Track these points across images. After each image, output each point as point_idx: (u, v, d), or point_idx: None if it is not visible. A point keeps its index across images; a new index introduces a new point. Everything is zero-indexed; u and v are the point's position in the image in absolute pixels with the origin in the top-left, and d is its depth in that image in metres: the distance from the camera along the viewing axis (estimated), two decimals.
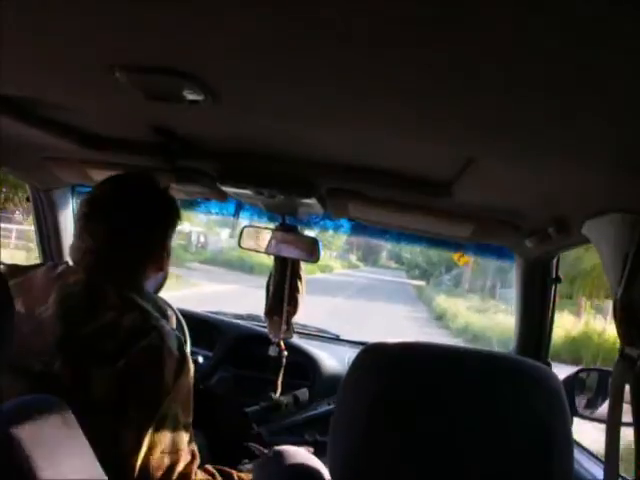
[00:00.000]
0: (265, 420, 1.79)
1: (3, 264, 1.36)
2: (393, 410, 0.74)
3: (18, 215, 14.63)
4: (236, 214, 2.10)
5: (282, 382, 2.01)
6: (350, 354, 2.30)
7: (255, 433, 1.72)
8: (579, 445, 1.73)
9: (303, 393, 1.94)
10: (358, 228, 2.04)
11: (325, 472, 0.89)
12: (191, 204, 2.08)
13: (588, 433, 2.24)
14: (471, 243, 1.89)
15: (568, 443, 0.76)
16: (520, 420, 0.73)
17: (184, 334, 1.86)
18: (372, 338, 1.04)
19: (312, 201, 1.64)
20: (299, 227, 2.01)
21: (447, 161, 1.18)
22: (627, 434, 0.93)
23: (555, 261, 1.74)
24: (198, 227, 28.14)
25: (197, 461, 1.23)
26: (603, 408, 1.54)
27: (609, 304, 1.00)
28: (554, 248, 1.56)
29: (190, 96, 0.92)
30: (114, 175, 1.33)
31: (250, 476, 1.40)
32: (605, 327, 11.90)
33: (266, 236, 1.98)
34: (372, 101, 0.84)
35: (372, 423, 0.74)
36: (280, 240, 1.96)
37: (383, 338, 0.82)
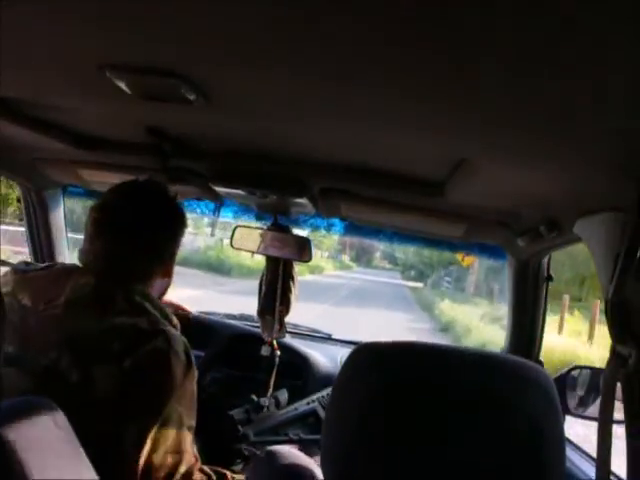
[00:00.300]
0: (249, 421, 1.80)
1: (6, 262, 1.36)
2: (385, 409, 0.74)
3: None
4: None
5: (275, 382, 2.00)
6: (342, 353, 2.30)
7: (241, 434, 1.73)
8: (571, 443, 1.73)
9: (282, 393, 1.95)
10: (351, 228, 2.04)
11: (317, 471, 0.89)
12: None
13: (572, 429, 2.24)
14: (463, 242, 1.89)
15: (560, 441, 0.76)
16: (512, 418, 0.73)
17: None
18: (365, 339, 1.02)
19: (304, 201, 1.64)
20: (291, 227, 2.01)
21: (440, 161, 1.18)
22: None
23: (547, 260, 1.74)
24: None
25: (199, 463, 1.24)
26: (595, 406, 1.55)
27: None
28: (546, 247, 1.57)
29: (182, 96, 0.92)
30: (125, 182, 1.35)
31: (243, 477, 1.40)
32: None
33: (258, 236, 1.98)
34: (365, 101, 0.84)
35: (364, 422, 0.74)
36: (272, 240, 1.95)
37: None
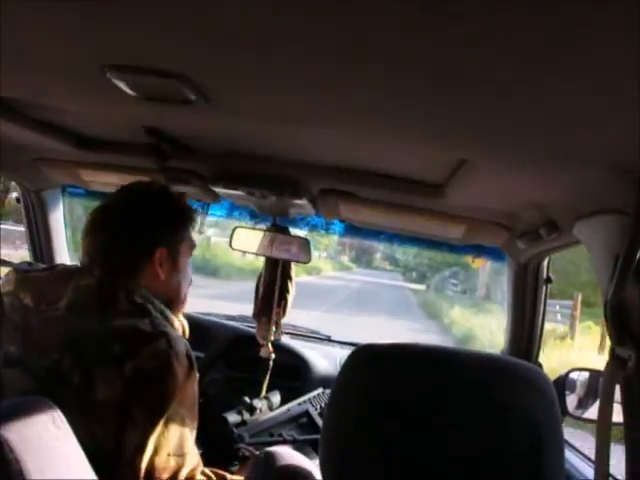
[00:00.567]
0: (244, 422, 1.80)
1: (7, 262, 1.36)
2: (384, 410, 0.74)
3: None
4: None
5: (273, 383, 2.01)
6: (341, 355, 2.30)
7: (236, 436, 1.73)
8: (570, 445, 1.73)
9: (274, 395, 1.95)
10: (350, 228, 2.04)
11: (316, 472, 0.89)
12: None
13: None
14: (463, 244, 1.89)
15: (559, 443, 0.76)
16: (511, 420, 0.73)
17: None
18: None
19: (303, 202, 1.64)
20: (289, 227, 2.01)
21: (440, 162, 1.18)
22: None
23: (546, 262, 1.74)
24: None
25: (201, 465, 1.25)
26: (594, 408, 1.55)
27: None
28: (545, 249, 1.57)
29: (182, 97, 0.92)
30: (127, 184, 1.35)
31: (242, 478, 1.40)
32: None
33: (257, 237, 1.98)
34: (365, 103, 0.84)
35: (363, 423, 0.74)
36: (271, 241, 1.96)
37: None
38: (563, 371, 1.67)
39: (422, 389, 0.74)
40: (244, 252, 2.09)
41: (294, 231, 2.02)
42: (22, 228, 2.32)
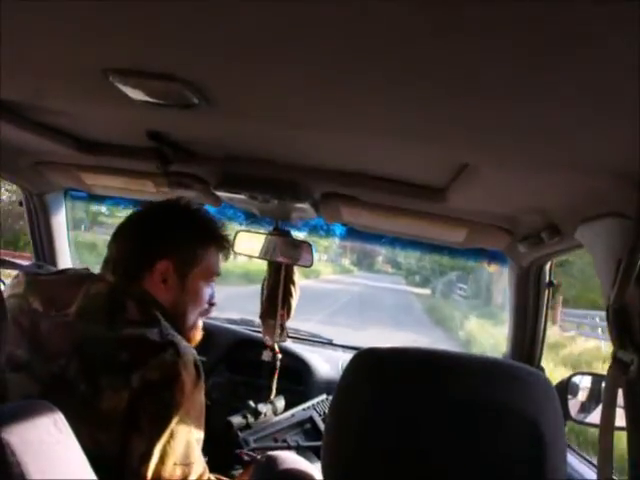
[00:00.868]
0: (248, 426, 1.80)
1: (11, 262, 1.37)
2: (387, 414, 0.74)
3: None
4: None
5: (276, 387, 2.00)
6: (344, 359, 2.30)
7: (240, 440, 1.73)
8: (572, 449, 1.73)
9: (279, 400, 1.95)
10: (352, 232, 2.04)
11: (318, 476, 0.88)
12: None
13: None
14: (465, 247, 1.89)
15: (561, 447, 0.76)
16: (513, 424, 0.73)
17: None
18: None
19: (305, 206, 1.64)
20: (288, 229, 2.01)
21: (441, 166, 1.18)
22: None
23: (549, 266, 1.74)
24: None
25: (207, 474, 1.24)
26: (596, 413, 1.54)
27: None
28: (547, 253, 1.56)
29: (184, 101, 0.92)
30: (164, 200, 1.39)
31: None
32: None
33: (260, 241, 1.98)
34: (367, 106, 0.84)
35: (366, 427, 0.74)
36: (274, 245, 1.96)
37: None
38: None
39: (424, 393, 0.74)
40: (247, 256, 2.08)
41: (294, 233, 2.02)
42: None
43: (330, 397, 2.04)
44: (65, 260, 2.28)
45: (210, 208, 2.07)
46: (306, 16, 0.57)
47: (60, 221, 2.23)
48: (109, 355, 1.12)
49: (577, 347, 11.01)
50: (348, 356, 0.89)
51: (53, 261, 2.23)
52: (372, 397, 0.75)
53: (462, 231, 1.64)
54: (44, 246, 2.22)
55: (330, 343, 2.60)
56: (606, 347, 9.86)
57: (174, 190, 1.69)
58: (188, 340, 1.29)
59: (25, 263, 2.25)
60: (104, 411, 1.08)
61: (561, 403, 0.79)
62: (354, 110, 0.87)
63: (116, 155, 1.56)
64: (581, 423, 1.61)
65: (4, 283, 2.02)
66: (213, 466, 1.34)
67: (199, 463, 1.19)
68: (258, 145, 1.34)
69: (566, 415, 1.55)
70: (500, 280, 15.94)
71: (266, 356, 2.05)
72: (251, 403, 1.84)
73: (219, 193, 1.65)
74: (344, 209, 1.66)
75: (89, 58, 0.82)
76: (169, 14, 0.62)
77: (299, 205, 1.65)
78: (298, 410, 1.94)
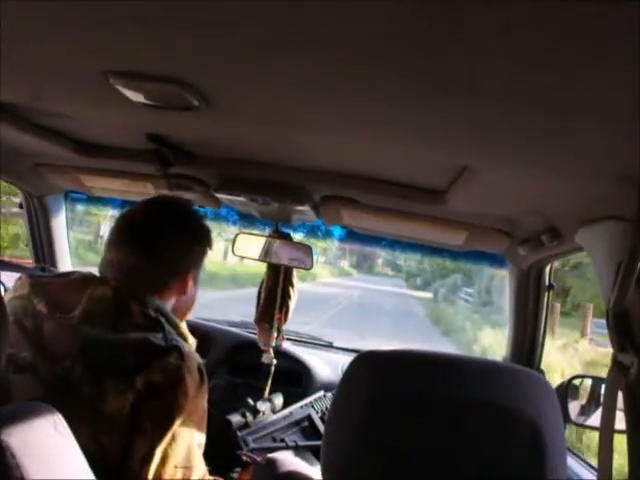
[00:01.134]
0: (247, 425, 1.79)
1: (14, 264, 1.36)
2: (386, 417, 0.74)
3: None
4: None
5: (275, 389, 2.00)
6: (343, 361, 2.30)
7: (240, 439, 1.72)
8: (572, 452, 1.73)
9: (277, 397, 1.95)
10: (351, 234, 2.04)
11: (317, 478, 0.88)
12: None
13: None
14: (464, 250, 1.89)
15: (561, 450, 0.76)
16: (513, 426, 0.73)
17: None
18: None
19: (306, 208, 1.64)
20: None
21: (442, 169, 1.18)
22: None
23: (549, 269, 1.74)
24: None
25: (207, 477, 1.24)
26: (596, 415, 1.54)
27: None
28: (547, 256, 1.57)
29: (184, 103, 0.92)
30: (157, 196, 1.38)
31: None
32: None
33: (259, 243, 1.98)
34: (367, 109, 0.84)
35: (365, 430, 0.74)
36: (273, 247, 1.96)
37: None
38: None
39: (424, 395, 0.74)
40: (247, 258, 2.09)
41: (292, 235, 2.02)
42: None
43: (328, 394, 2.05)
44: (65, 262, 2.28)
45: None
46: (306, 18, 0.57)
47: (60, 223, 2.23)
48: (113, 358, 1.12)
49: None
50: (348, 359, 0.89)
51: (53, 263, 2.23)
52: (372, 399, 0.75)
53: (462, 234, 1.64)
54: (44, 248, 2.22)
55: (330, 346, 2.60)
56: None
57: (174, 192, 1.69)
58: (183, 320, 1.33)
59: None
60: (107, 413, 1.08)
61: (561, 406, 0.80)
62: (354, 113, 0.87)
63: (116, 157, 1.56)
64: (581, 426, 1.62)
65: (4, 285, 2.02)
66: (213, 467, 1.34)
67: (200, 466, 1.19)
68: (258, 147, 1.34)
69: (566, 418, 1.55)
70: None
71: (266, 359, 2.05)
72: (250, 401, 1.84)
73: (219, 195, 1.66)
74: (344, 212, 1.66)
75: (89, 60, 0.82)
76: (169, 17, 0.62)
77: (299, 208, 1.65)
78: (296, 408, 1.94)
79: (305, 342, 2.58)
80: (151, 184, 1.73)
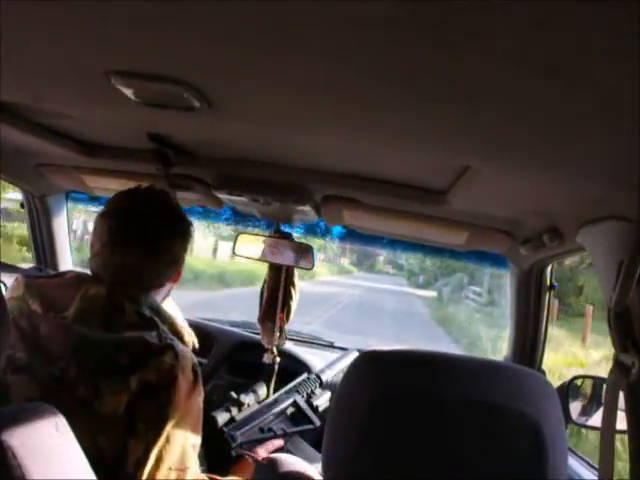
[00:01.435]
0: (232, 420, 1.79)
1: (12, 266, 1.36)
2: (388, 416, 0.74)
3: None
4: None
5: (276, 389, 2.00)
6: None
7: (227, 436, 1.71)
8: (573, 452, 1.73)
9: (260, 387, 1.94)
10: (351, 233, 2.04)
11: (318, 478, 0.89)
12: None
13: None
14: (466, 250, 1.89)
15: (562, 450, 0.76)
16: (514, 426, 0.73)
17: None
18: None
19: (307, 208, 1.64)
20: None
21: (443, 169, 1.18)
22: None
23: (550, 269, 1.74)
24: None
25: (202, 477, 1.23)
26: (598, 415, 1.54)
27: None
28: (549, 256, 1.57)
29: (186, 103, 0.92)
30: (132, 188, 1.32)
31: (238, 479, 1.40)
32: None
33: (261, 243, 1.98)
34: (368, 109, 0.84)
35: (367, 430, 0.74)
36: (275, 247, 1.96)
37: None
38: None
39: (426, 394, 0.74)
40: (248, 258, 2.08)
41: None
42: None
43: (312, 376, 2.06)
44: (66, 262, 2.28)
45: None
46: (307, 21, 0.57)
47: (61, 223, 2.23)
48: (107, 358, 1.11)
49: None
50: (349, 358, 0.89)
51: (54, 263, 2.23)
52: (374, 398, 0.75)
53: (463, 234, 1.64)
54: (45, 248, 2.22)
55: (331, 345, 2.60)
56: None
57: (175, 192, 1.69)
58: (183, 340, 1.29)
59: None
60: (104, 415, 1.08)
61: (562, 406, 0.79)
62: (356, 114, 0.88)
63: (117, 157, 1.56)
64: (582, 426, 1.62)
65: (5, 285, 2.02)
66: (208, 467, 1.34)
67: (194, 467, 1.19)
68: (259, 147, 1.34)
69: (567, 418, 1.55)
70: None
71: (267, 358, 2.05)
72: (233, 394, 1.82)
73: (220, 195, 1.66)
74: (346, 212, 1.66)
75: (92, 61, 0.82)
76: (171, 17, 0.62)
77: (300, 207, 1.65)
78: (280, 395, 1.94)
79: (306, 342, 2.58)
80: (153, 184, 1.73)
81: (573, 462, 1.66)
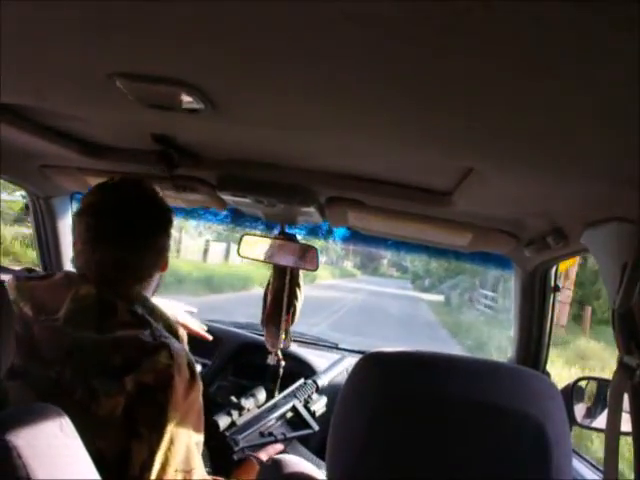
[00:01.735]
0: (233, 424, 1.79)
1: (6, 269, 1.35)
2: (392, 418, 0.74)
3: None
4: None
5: (280, 391, 2.00)
6: (349, 362, 2.30)
7: (229, 441, 1.72)
8: (577, 454, 1.72)
9: (260, 391, 1.94)
10: (355, 235, 2.04)
11: (322, 478, 0.89)
12: None
13: None
14: (470, 252, 1.89)
15: (566, 452, 0.76)
16: (518, 428, 0.73)
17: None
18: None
19: (311, 210, 1.64)
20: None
21: (447, 170, 1.18)
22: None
23: (554, 270, 1.74)
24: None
25: (207, 477, 1.23)
26: (602, 417, 1.54)
27: None
28: (553, 257, 1.56)
29: (190, 105, 0.92)
30: (105, 182, 1.28)
31: None
32: None
33: (265, 244, 1.98)
34: (372, 111, 0.84)
35: (371, 431, 0.74)
36: (279, 248, 1.96)
37: None
38: None
39: (429, 396, 0.74)
40: (252, 260, 2.09)
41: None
42: None
43: (309, 381, 2.05)
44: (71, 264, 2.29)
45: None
46: (310, 24, 0.57)
47: (66, 225, 2.23)
48: (102, 359, 1.10)
49: None
50: (353, 359, 0.89)
51: (59, 265, 2.23)
52: (378, 399, 0.75)
53: (467, 235, 1.64)
54: (50, 250, 2.23)
55: (336, 347, 2.60)
56: None
57: (180, 193, 1.69)
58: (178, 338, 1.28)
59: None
60: (101, 417, 1.07)
61: (567, 408, 0.79)
62: (360, 116, 0.88)
63: (122, 159, 1.56)
64: (587, 428, 1.61)
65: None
66: (213, 469, 1.34)
67: (199, 468, 1.18)
68: (264, 149, 1.34)
69: (572, 420, 1.55)
70: (568, 285, 11.48)
71: (271, 360, 2.05)
72: (233, 398, 1.83)
73: (225, 197, 1.66)
74: (350, 213, 1.66)
75: (96, 62, 0.82)
76: (175, 19, 0.63)
77: (305, 209, 1.65)
78: (279, 399, 1.94)
79: (310, 343, 2.58)
80: (157, 185, 1.73)
81: (577, 464, 1.65)
